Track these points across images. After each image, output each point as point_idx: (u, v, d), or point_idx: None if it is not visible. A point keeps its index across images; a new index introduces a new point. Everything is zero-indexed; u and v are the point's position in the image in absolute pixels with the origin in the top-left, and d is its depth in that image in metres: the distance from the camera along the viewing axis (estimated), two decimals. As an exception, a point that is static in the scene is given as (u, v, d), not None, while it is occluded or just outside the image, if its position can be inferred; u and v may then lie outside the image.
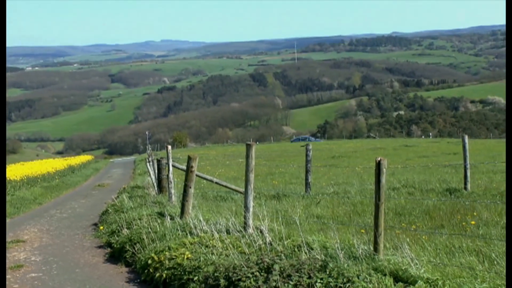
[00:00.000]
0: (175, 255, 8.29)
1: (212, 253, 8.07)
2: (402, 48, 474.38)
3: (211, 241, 8.56)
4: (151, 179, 18.32)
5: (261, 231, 8.62)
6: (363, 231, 9.43)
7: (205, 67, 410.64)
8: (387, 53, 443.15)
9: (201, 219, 9.77)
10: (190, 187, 11.00)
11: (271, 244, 8.10)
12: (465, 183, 14.78)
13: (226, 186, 13.35)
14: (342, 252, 7.15)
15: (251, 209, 9.17)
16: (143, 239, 9.89)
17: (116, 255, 10.60)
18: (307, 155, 16.35)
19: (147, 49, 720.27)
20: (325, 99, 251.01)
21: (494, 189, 14.64)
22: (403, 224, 10.55)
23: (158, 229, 10.27)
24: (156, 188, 16.83)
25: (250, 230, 8.93)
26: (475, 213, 11.04)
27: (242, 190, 10.38)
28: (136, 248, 9.78)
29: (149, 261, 8.63)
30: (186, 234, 9.46)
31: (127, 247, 10.18)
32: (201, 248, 8.37)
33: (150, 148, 58.90)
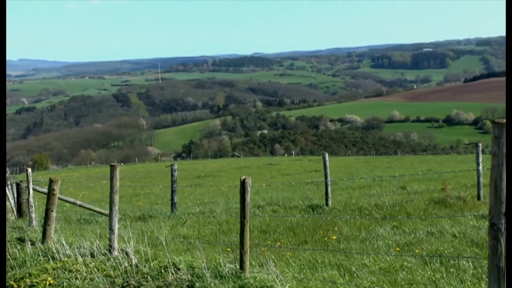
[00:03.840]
0: (37, 282, 7.97)
1: (76, 278, 7.84)
2: (264, 69, 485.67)
3: (75, 266, 8.31)
4: (10, 203, 17.53)
5: (127, 253, 8.48)
6: (229, 249, 9.49)
7: (67, 87, 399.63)
8: (249, 73, 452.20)
9: (64, 243, 9.46)
10: (52, 211, 10.65)
11: (137, 266, 7.99)
12: (327, 199, 15.25)
13: (90, 209, 13.04)
14: (209, 271, 7.17)
15: (116, 231, 9.01)
16: (1, 266, 9.43)
17: (-30, 286, 10.03)
18: (172, 175, 16.29)
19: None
20: (189, 119, 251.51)
21: (353, 204, 15.23)
22: (268, 241, 10.72)
23: (18, 255, 9.82)
24: (15, 213, 16.11)
25: (116, 253, 8.76)
26: (336, 228, 11.42)
27: (107, 212, 10.18)
28: (-7, 277, 9.30)
29: (8, 290, 8.24)
30: (48, 259, 9.13)
31: (-17, 276, 9.66)
32: (64, 273, 8.10)
33: (8, 171, 56.38)
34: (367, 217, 12.57)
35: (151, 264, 7.97)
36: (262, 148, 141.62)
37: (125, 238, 8.82)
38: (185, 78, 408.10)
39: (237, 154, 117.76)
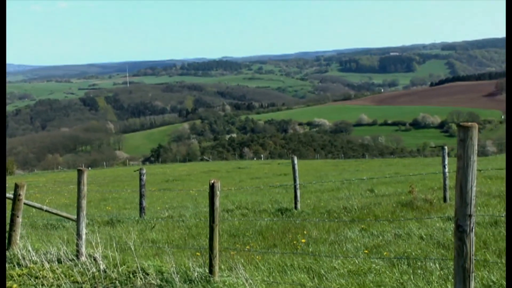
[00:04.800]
0: (2, 289, 7.86)
1: (43, 284, 7.75)
2: (233, 72, 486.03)
3: (41, 272, 8.21)
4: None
5: (94, 259, 8.41)
6: (198, 254, 9.47)
7: (32, 91, 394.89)
8: (218, 77, 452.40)
9: (30, 249, 9.34)
10: (18, 216, 10.51)
11: (105, 272, 7.92)
12: (295, 203, 15.28)
13: (57, 214, 12.89)
14: (178, 276, 7.14)
15: (83, 237, 8.93)
16: (-35, 274, 9.27)
17: None
18: (141, 180, 16.19)
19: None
20: (158, 123, 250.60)
21: (322, 207, 15.29)
22: (237, 245, 10.72)
23: (-17, 262, 9.68)
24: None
25: (83, 258, 8.68)
26: (305, 232, 11.45)
27: (74, 217, 10.09)
28: (-43, 284, 9.14)
29: (-27, 297, 8.11)
30: (14, 266, 9.00)
31: None
32: (30, 279, 8.00)
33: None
34: (336, 220, 12.63)
35: (120, 269, 7.92)
36: (231, 152, 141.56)
37: (93, 244, 8.74)
38: (153, 82, 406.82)
39: (206, 158, 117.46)
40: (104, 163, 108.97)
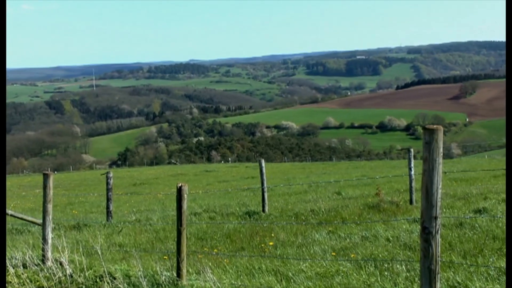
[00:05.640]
0: (-34, 295, 7.74)
1: (8, 290, 7.65)
2: (200, 75, 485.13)
3: (6, 277, 8.11)
4: None
5: (61, 263, 8.32)
6: (166, 257, 9.43)
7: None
8: (185, 80, 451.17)
9: (-5, 254, 9.21)
10: (-18, 221, 10.36)
11: (71, 276, 7.84)
12: (263, 206, 15.28)
13: (22, 218, 12.70)
14: (146, 279, 7.11)
15: (49, 241, 8.83)
16: None
17: None
18: (107, 183, 16.07)
19: None
20: (125, 126, 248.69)
21: (290, 210, 15.32)
22: (205, 249, 10.69)
23: None
24: None
25: (49, 263, 8.58)
26: (273, 234, 11.46)
27: (40, 221, 9.97)
28: None
29: None
30: (-22, 271, 8.88)
31: None
32: (-5, 285, 7.90)
33: None
34: (303, 222, 12.67)
35: (86, 274, 7.85)
36: (199, 155, 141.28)
37: (59, 248, 8.65)
38: (120, 85, 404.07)
39: (173, 161, 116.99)
40: (71, 167, 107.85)
